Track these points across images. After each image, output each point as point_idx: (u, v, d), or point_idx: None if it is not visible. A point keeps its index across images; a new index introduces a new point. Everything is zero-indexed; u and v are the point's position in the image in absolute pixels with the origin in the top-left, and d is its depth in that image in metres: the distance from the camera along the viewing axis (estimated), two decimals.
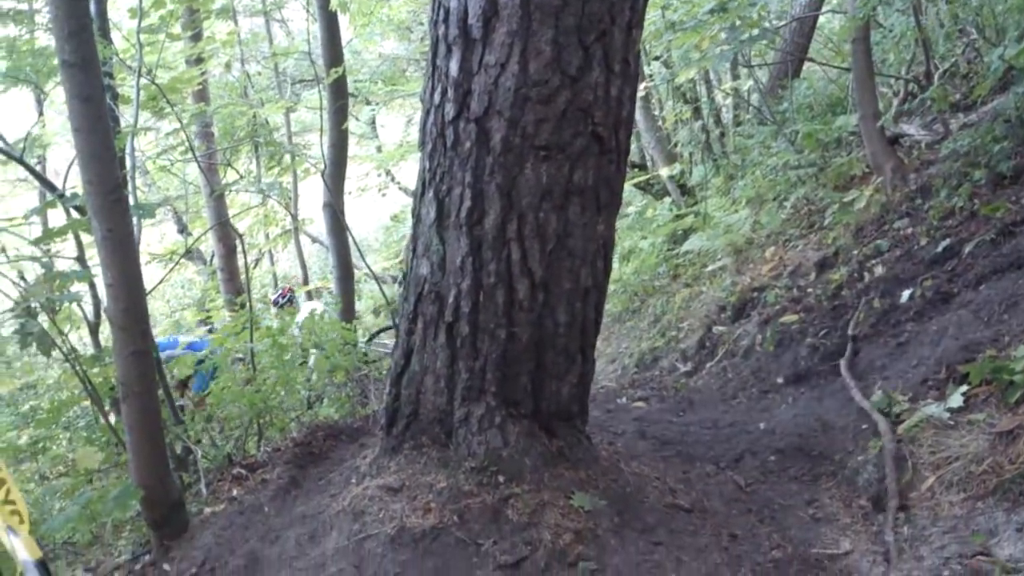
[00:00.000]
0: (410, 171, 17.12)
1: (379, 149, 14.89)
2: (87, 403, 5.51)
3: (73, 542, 4.73)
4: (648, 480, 3.41)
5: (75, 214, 4.78)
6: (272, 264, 13.29)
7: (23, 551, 2.23)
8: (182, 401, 6.11)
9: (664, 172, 9.15)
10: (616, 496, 3.16)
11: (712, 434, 4.30)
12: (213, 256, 10.35)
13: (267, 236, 12.25)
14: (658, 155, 9.74)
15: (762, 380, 5.16)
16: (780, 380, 5.03)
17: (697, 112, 10.22)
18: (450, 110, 3.16)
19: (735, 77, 10.35)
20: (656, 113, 10.41)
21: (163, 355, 7.14)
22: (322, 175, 6.60)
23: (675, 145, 10.18)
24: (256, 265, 11.76)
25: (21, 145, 5.22)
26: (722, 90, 10.89)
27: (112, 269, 3.48)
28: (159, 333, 8.88)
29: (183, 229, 12.89)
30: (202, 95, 8.68)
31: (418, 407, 3.43)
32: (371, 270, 7.12)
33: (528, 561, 2.73)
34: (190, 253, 10.45)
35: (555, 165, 3.12)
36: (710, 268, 7.43)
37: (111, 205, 3.37)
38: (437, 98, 3.21)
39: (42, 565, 2.23)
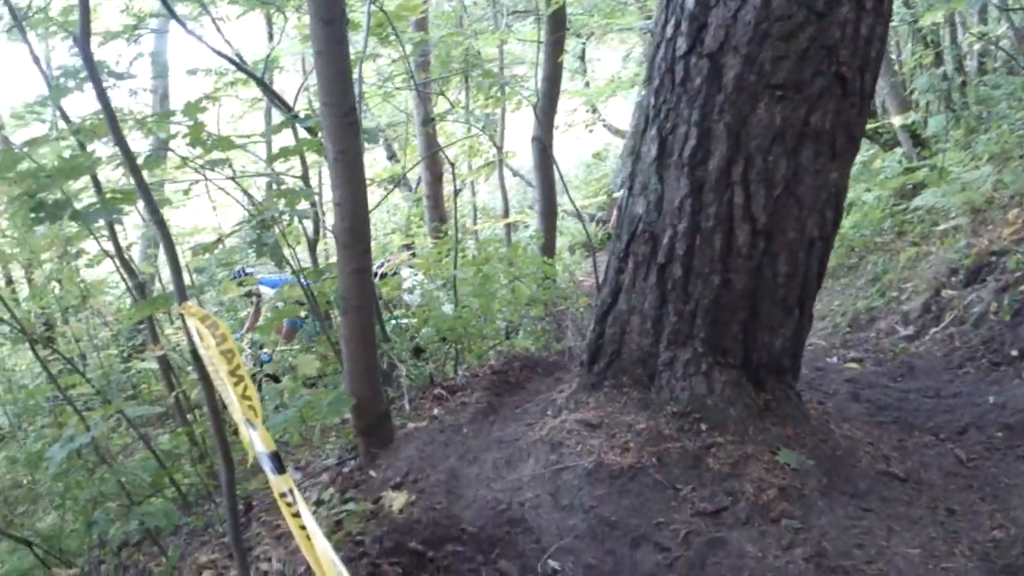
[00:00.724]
0: (618, 109, 16.95)
1: (587, 84, 14.83)
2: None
3: (285, 442, 5.16)
4: (860, 444, 3.27)
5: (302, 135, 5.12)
6: (473, 195, 13.68)
7: (259, 443, 2.44)
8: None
9: (897, 121, 8.52)
10: (824, 457, 3.06)
11: (933, 403, 4.05)
12: (419, 182, 10.79)
13: (470, 167, 12.59)
14: (891, 102, 9.08)
15: (994, 351, 4.78)
16: (1015, 352, 4.64)
17: (939, 58, 9.40)
18: (682, 44, 3.09)
19: (984, 21, 9.41)
20: (893, 57, 9.67)
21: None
22: (534, 108, 6.67)
23: (911, 92, 9.45)
24: (458, 195, 12.14)
25: (260, 67, 5.63)
26: (970, 34, 9.94)
27: (341, 189, 3.71)
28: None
29: (392, 156, 13.51)
30: (422, 24, 8.94)
31: (621, 347, 3.45)
32: (576, 206, 7.16)
33: (728, 512, 2.72)
34: (398, 179, 10.94)
35: (790, 106, 2.99)
36: (942, 227, 6.89)
37: (345, 127, 3.58)
38: (669, 31, 3.15)
39: (276, 456, 2.43)
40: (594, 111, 15.08)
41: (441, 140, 10.51)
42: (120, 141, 2.85)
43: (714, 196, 3.10)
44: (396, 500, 3.31)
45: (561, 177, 6.82)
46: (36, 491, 4.71)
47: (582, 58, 15.80)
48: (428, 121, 8.07)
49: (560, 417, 3.50)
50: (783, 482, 2.85)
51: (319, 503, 3.59)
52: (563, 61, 6.95)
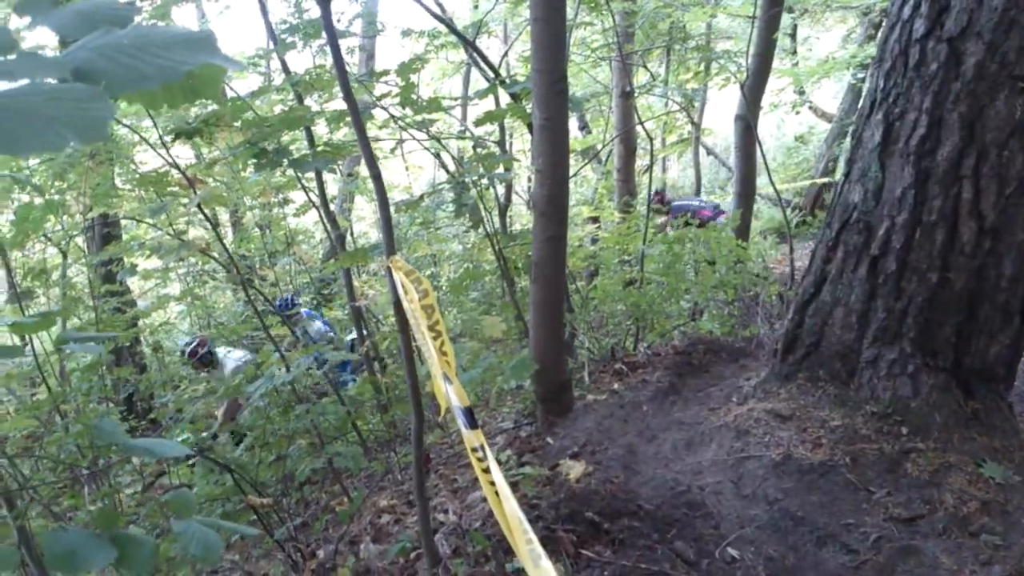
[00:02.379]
0: (828, 91, 16.21)
1: (796, 64, 14.28)
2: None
3: None
4: None
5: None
6: (663, 172, 13.55)
7: (455, 397, 2.58)
8: None
9: None
10: None
11: None
12: (610, 155, 10.82)
13: (663, 142, 12.46)
14: None
15: None
16: None
17: None
18: (920, 26, 2.96)
19: None
20: None
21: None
22: (741, 86, 6.54)
23: None
24: (647, 171, 12.08)
25: (468, 31, 5.84)
26: None
27: (543, 156, 3.82)
28: None
29: (584, 126, 13.58)
30: None
31: (821, 339, 3.38)
32: (776, 190, 6.99)
33: (924, 520, 2.64)
34: (591, 151, 11.03)
35: None
36: None
37: (554, 95, 3.68)
38: (907, 12, 3.02)
39: (469, 412, 2.57)
40: (801, 93, 14.51)
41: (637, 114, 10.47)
42: (348, 97, 3.06)
43: (940, 189, 2.96)
44: (573, 469, 3.42)
45: (764, 158, 6.66)
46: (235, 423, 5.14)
47: (792, 36, 15.20)
48: (628, 93, 8.07)
49: (747, 405, 3.48)
50: (986, 496, 2.73)
51: (496, 463, 3.76)
52: (776, 38, 6.76)
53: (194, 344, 6.28)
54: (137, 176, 5.02)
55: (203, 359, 6.37)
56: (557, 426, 4.07)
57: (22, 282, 5.14)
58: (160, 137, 4.63)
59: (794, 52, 15.22)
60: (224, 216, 11.57)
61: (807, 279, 3.53)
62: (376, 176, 3.11)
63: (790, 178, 14.86)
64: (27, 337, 3.71)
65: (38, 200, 4.60)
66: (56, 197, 5.04)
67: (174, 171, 4.70)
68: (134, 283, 8.08)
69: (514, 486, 3.36)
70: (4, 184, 5.04)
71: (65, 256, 5.74)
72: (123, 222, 7.80)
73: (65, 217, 5.67)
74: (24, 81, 0.90)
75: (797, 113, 14.98)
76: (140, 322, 6.94)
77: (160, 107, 1.16)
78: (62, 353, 4.16)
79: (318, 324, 6.95)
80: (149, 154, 5.96)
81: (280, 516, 3.96)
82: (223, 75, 1.19)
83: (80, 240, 6.83)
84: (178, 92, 1.15)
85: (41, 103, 0.84)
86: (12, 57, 0.96)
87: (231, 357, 6.49)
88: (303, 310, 7.07)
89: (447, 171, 5.17)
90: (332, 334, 7.01)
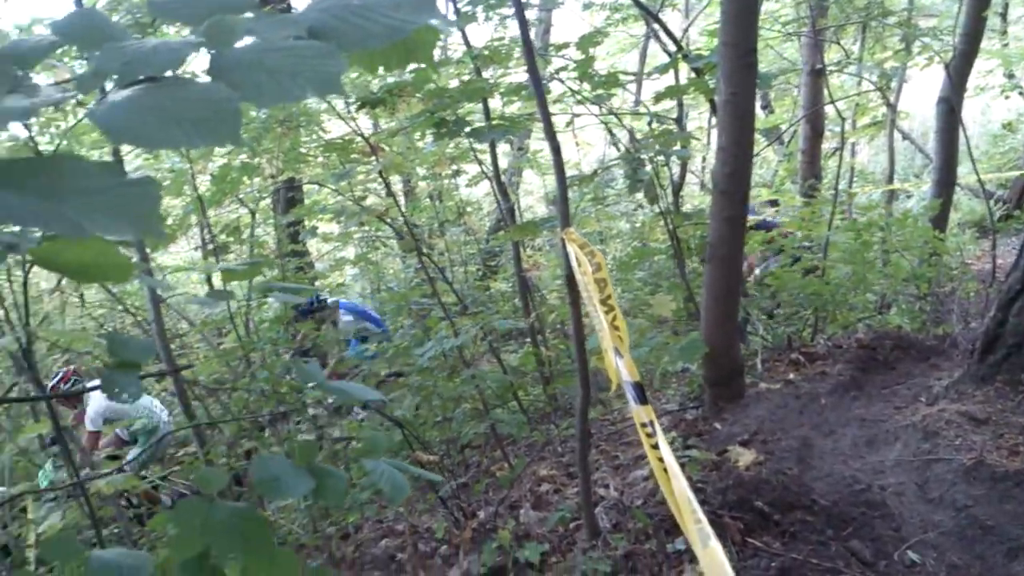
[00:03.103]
0: None
1: (1006, 45, 13.26)
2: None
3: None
4: None
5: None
6: (852, 156, 12.93)
7: (625, 372, 2.60)
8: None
9: None
10: None
11: None
12: (794, 136, 10.45)
13: (854, 125, 11.90)
14: None
15: None
16: None
17: None
18: None
19: None
20: None
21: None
22: (946, 67, 6.16)
23: None
24: (834, 154, 11.57)
25: (653, 3, 5.79)
26: None
27: (727, 133, 3.76)
28: None
29: (767, 105, 13.17)
30: None
31: None
32: (980, 179, 6.55)
33: None
34: (774, 131, 10.68)
35: None
36: None
37: (741, 69, 3.61)
38: None
39: (639, 387, 2.59)
40: (1011, 76, 13.46)
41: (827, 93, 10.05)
42: (533, 70, 3.12)
43: None
44: (743, 456, 3.37)
45: (968, 145, 6.26)
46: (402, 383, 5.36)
47: (1003, 15, 14.11)
48: (819, 71, 7.76)
49: (937, 405, 3.32)
50: None
51: (665, 440, 3.76)
52: (986, 16, 6.30)
53: (57, 379, 5.88)
54: (323, 143, 5.32)
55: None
56: (726, 412, 4.01)
57: (217, 238, 5.56)
58: (346, 105, 4.87)
59: (1004, 32, 14.15)
60: (397, 186, 12.01)
61: (1013, 275, 3.32)
62: (555, 149, 3.16)
63: (994, 168, 13.85)
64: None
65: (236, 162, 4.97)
66: (251, 161, 5.41)
67: (357, 139, 4.93)
68: (312, 246, 8.53)
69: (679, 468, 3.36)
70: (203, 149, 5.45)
71: (254, 216, 6.15)
72: (305, 187, 8.25)
73: (256, 179, 6.07)
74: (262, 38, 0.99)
75: (1006, 98, 13.91)
76: (318, 283, 7.33)
77: (376, 69, 1.24)
78: (249, 306, 4.48)
79: (347, 317, 7.00)
80: (333, 123, 6.26)
81: (443, 474, 4.12)
82: (437, 39, 1.26)
83: (268, 202, 7.29)
84: (395, 54, 1.22)
85: (282, 59, 0.92)
86: (251, 15, 1.05)
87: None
88: (340, 300, 7.15)
89: (618, 148, 5.16)
90: (370, 323, 7.10)
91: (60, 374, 5.90)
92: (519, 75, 5.00)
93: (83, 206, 0.66)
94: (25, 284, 2.10)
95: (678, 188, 5.81)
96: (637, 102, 9.76)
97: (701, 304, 4.20)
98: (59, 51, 0.91)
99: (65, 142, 5.03)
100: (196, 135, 0.73)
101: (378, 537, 4.21)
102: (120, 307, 4.90)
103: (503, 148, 9.58)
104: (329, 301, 6.86)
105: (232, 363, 4.18)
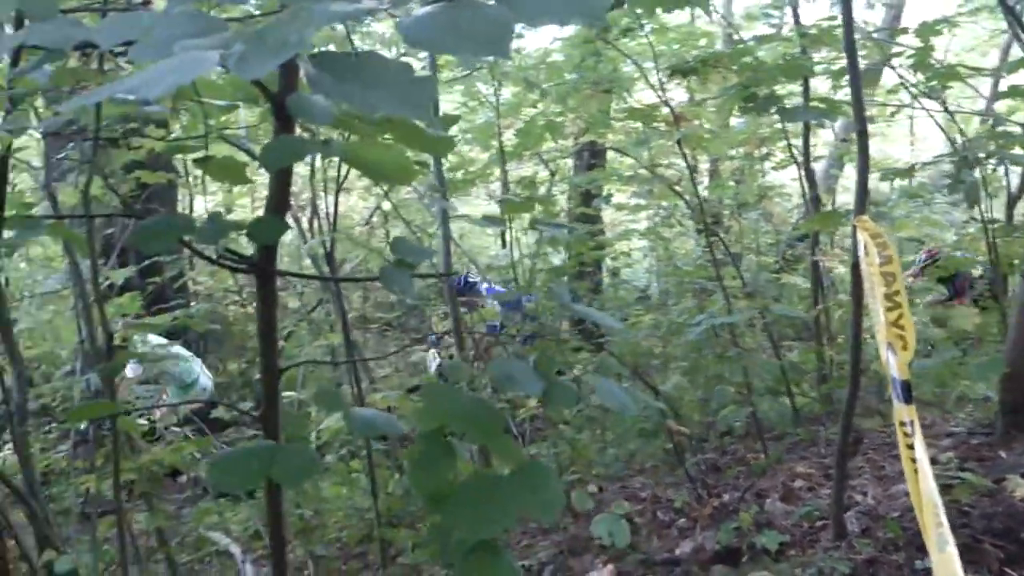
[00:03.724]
0: None
1: None
2: None
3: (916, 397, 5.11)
4: None
5: None
6: None
7: (895, 369, 2.54)
8: None
9: None
10: None
11: None
12: None
13: None
14: None
15: None
16: None
17: None
18: None
19: None
20: None
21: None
22: None
23: None
24: None
25: None
26: None
27: None
28: None
29: None
30: None
31: None
32: None
33: None
34: None
35: None
36: None
37: None
38: None
39: (907, 387, 2.52)
40: None
41: None
42: (849, 48, 3.07)
43: None
44: (1021, 487, 3.15)
45: None
46: (668, 355, 5.46)
47: None
48: None
49: None
50: None
51: (934, 461, 3.57)
52: None
53: None
54: (628, 109, 5.47)
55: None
56: (1016, 441, 3.73)
57: (512, 191, 5.94)
58: (657, 73, 4.98)
59: None
60: (704, 165, 11.96)
61: None
62: (861, 132, 3.10)
63: None
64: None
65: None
66: (555, 119, 5.71)
67: (663, 108, 5.02)
68: (607, 215, 8.77)
69: (947, 488, 3.19)
70: (514, 102, 5.85)
71: (553, 175, 6.49)
72: (609, 155, 8.49)
73: (560, 141, 6.39)
74: None
75: None
76: (604, 249, 7.54)
77: (652, 10, 1.35)
78: (533, 255, 4.78)
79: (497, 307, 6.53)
80: (645, 93, 6.39)
81: (694, 450, 4.20)
82: None
83: (569, 162, 7.63)
84: None
85: None
86: None
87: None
88: (488, 286, 6.79)
89: (952, 144, 4.84)
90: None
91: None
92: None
93: (381, 92, 0.86)
94: (336, 195, 2.46)
95: (1013, 200, 5.34)
96: (991, 103, 8.98)
97: (1010, 322, 3.91)
98: None
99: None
100: (478, 47, 0.89)
101: (619, 499, 4.38)
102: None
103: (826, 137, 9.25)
104: (479, 286, 6.70)
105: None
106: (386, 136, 1.26)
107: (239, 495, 4.16)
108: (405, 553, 3.60)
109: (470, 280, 6.55)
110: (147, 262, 5.35)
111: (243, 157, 1.62)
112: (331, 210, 2.96)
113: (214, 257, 1.33)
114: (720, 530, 3.50)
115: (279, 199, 1.20)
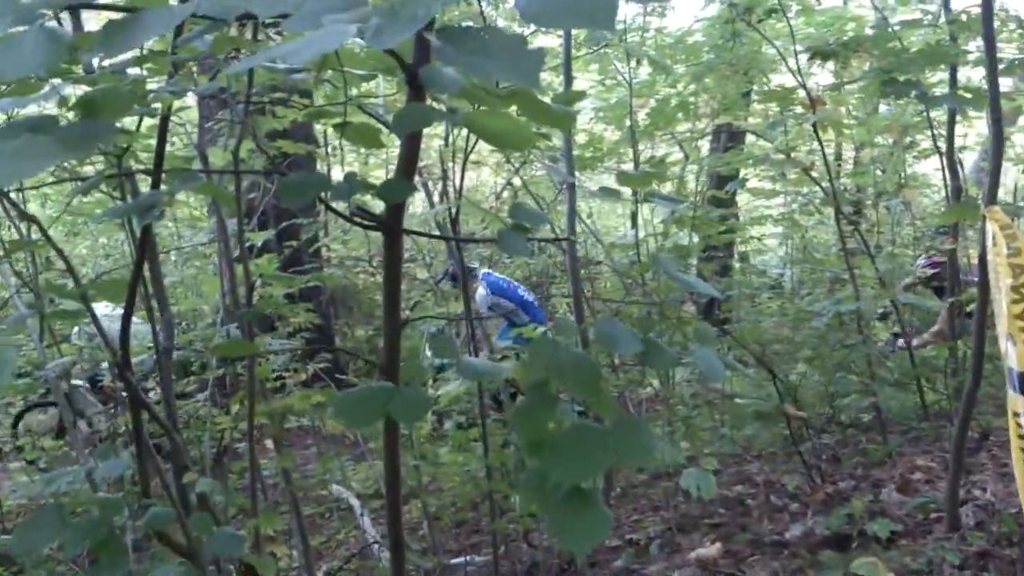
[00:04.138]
0: None
1: None
2: None
3: None
4: None
5: None
6: None
7: (1013, 360, 2.56)
8: None
9: None
10: None
11: None
12: None
13: None
14: None
15: None
16: None
17: None
18: None
19: None
20: None
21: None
22: None
23: None
24: None
25: None
26: None
27: None
28: None
29: None
30: None
31: None
32: None
33: None
34: None
35: None
36: None
37: None
38: None
39: (1023, 377, 2.54)
40: None
41: None
42: (988, 35, 3.05)
43: None
44: None
45: None
46: (797, 344, 5.46)
47: None
48: None
49: None
50: None
51: None
52: None
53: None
54: (764, 91, 5.46)
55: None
56: None
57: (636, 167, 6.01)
58: (795, 57, 4.96)
59: None
60: (848, 153, 11.65)
61: None
62: (996, 120, 3.09)
63: None
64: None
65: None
66: (688, 100, 5.74)
67: (800, 91, 5.00)
68: (742, 199, 8.69)
69: None
70: (648, 81, 5.92)
71: (687, 157, 6.51)
72: (748, 138, 8.40)
73: (696, 123, 6.41)
74: None
75: None
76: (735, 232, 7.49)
77: None
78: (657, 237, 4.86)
79: (480, 291, 6.59)
80: (788, 77, 6.35)
81: (811, 437, 4.23)
82: None
83: (704, 144, 7.61)
84: None
85: None
86: None
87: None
88: (485, 273, 6.82)
89: None
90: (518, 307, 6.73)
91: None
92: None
93: (494, 61, 1.01)
94: (464, 164, 2.64)
95: None
96: None
97: None
98: None
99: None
100: (585, 21, 1.03)
101: (734, 483, 4.47)
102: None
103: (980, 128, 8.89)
104: (477, 271, 6.70)
105: (627, 280, 4.61)
106: (512, 109, 1.39)
107: (363, 456, 4.45)
108: (515, 520, 3.79)
109: (469, 267, 6.44)
110: (284, 224, 5.72)
111: (378, 126, 1.81)
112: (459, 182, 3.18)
113: (347, 214, 1.47)
114: (832, 516, 3.56)
115: (408, 163, 1.34)
